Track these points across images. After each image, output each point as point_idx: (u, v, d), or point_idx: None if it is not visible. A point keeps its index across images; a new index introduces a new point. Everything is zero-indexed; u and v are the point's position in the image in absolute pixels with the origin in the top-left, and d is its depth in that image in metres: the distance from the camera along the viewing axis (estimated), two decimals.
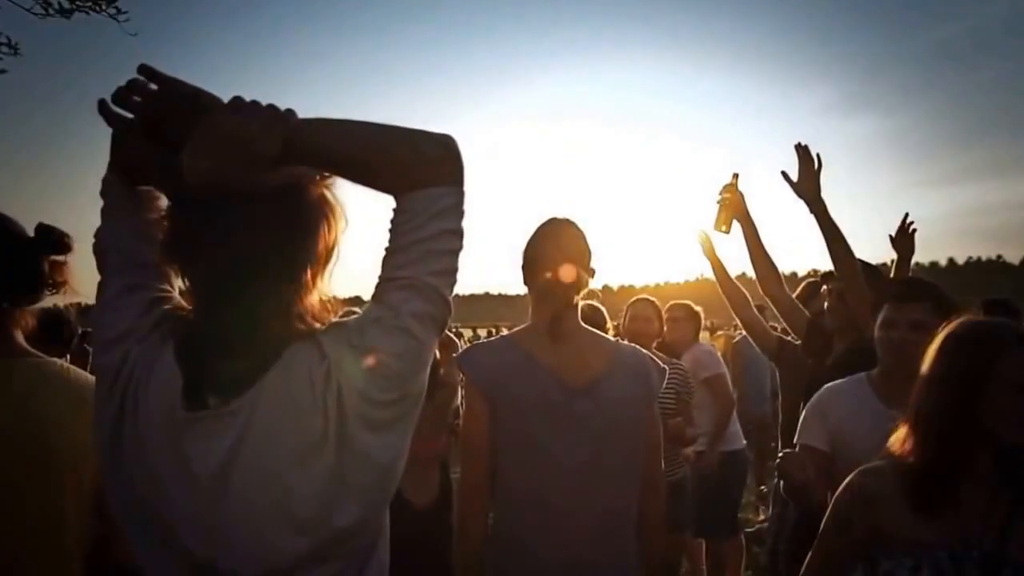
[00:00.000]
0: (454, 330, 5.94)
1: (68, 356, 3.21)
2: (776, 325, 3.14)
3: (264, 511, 0.85)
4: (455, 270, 0.92)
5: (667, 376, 1.82)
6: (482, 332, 18.93)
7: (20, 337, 1.32)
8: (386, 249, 0.90)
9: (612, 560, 1.64)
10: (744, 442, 4.12)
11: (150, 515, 0.88)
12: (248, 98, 0.84)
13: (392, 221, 0.89)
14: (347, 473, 0.86)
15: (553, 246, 1.71)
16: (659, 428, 1.78)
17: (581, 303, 1.76)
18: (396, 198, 0.89)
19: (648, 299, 3.59)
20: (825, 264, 2.48)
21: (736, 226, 2.76)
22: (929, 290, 1.93)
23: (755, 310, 3.01)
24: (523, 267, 1.76)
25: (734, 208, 2.74)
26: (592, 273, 1.75)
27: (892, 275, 2.83)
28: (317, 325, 0.93)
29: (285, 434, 0.85)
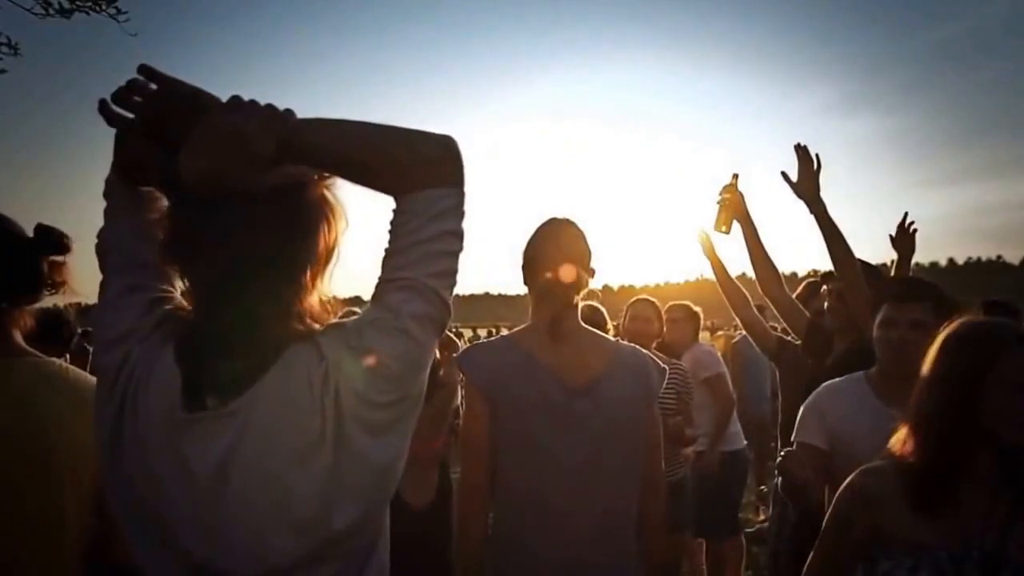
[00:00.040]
0: (454, 330, 5.95)
1: (68, 356, 3.21)
2: (776, 325, 3.14)
3: (262, 511, 0.84)
4: (455, 272, 0.91)
5: (667, 376, 1.82)
6: (482, 332, 18.93)
7: (19, 337, 1.32)
8: (386, 250, 0.90)
9: (612, 560, 1.64)
10: (744, 442, 4.12)
11: (149, 515, 0.88)
12: (247, 98, 0.84)
13: (392, 222, 0.89)
14: (345, 474, 0.85)
15: (553, 246, 1.71)
16: (659, 428, 1.78)
17: (581, 303, 1.76)
18: (396, 199, 0.89)
19: (648, 299, 3.59)
20: (825, 264, 2.48)
21: (736, 226, 2.77)
22: (929, 290, 1.93)
23: (755, 310, 3.01)
24: (523, 267, 1.76)
25: (734, 208, 2.74)
26: (592, 273, 1.75)
27: (892, 275, 2.83)
28: (316, 326, 0.93)
29: (283, 435, 0.85)
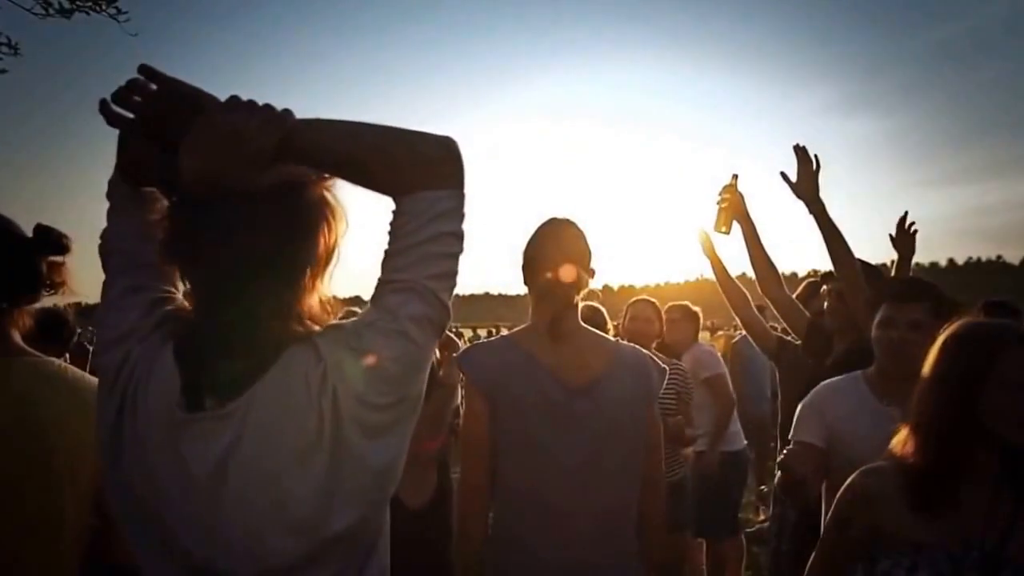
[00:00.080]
0: (454, 330, 5.95)
1: (67, 356, 3.21)
2: (776, 325, 3.14)
3: (261, 512, 0.84)
4: (455, 273, 0.91)
5: (667, 376, 1.82)
6: (482, 332, 18.93)
7: (18, 337, 1.32)
8: (385, 252, 0.90)
9: (612, 560, 1.64)
10: (745, 442, 4.12)
11: (149, 515, 0.88)
12: (246, 98, 0.84)
13: (391, 223, 0.89)
14: (343, 476, 0.85)
15: (553, 246, 1.71)
16: (659, 428, 1.78)
17: (581, 303, 1.76)
18: (395, 200, 0.89)
19: (648, 300, 3.59)
20: (825, 264, 2.48)
21: (736, 227, 2.77)
22: (928, 290, 1.93)
23: (755, 310, 3.01)
24: (523, 267, 1.76)
25: (734, 209, 2.74)
26: (592, 273, 1.75)
27: (892, 275, 2.83)
28: (315, 327, 0.93)
29: (281, 436, 0.85)
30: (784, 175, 2.42)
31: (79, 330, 3.96)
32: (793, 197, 2.41)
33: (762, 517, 5.22)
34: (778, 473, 1.68)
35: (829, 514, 1.49)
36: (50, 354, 1.37)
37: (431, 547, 1.98)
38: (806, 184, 2.38)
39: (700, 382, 3.86)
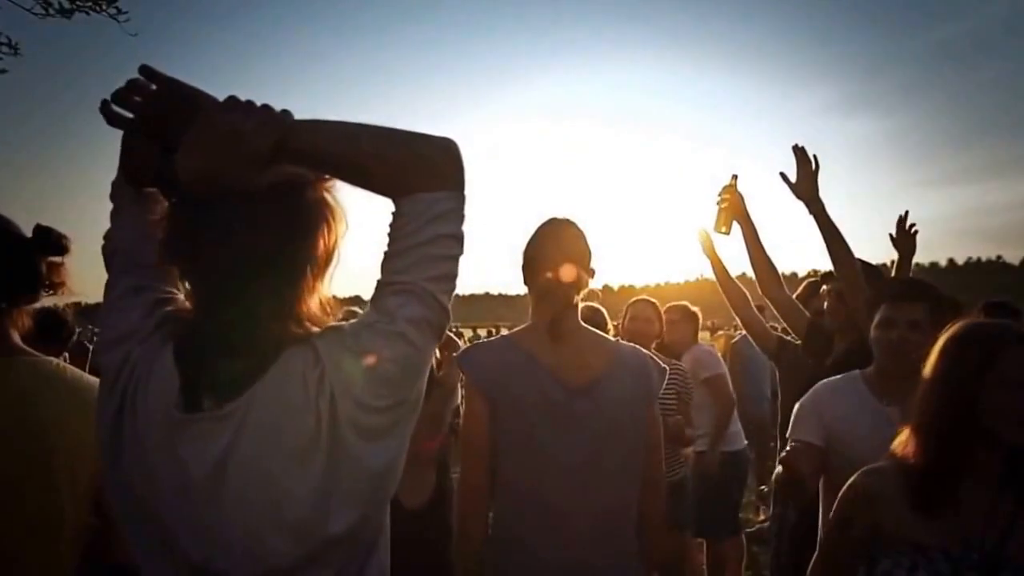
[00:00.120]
0: (454, 330, 5.95)
1: (67, 355, 3.21)
2: (776, 325, 3.15)
3: (259, 513, 0.84)
4: (454, 275, 0.91)
5: (667, 376, 1.82)
6: (482, 332, 18.93)
7: (17, 337, 1.32)
8: (384, 253, 0.90)
9: (612, 560, 1.64)
10: (745, 442, 4.12)
11: (148, 515, 0.88)
12: (246, 98, 0.84)
13: (390, 225, 0.89)
14: (340, 477, 0.85)
15: (553, 246, 1.71)
16: (659, 428, 1.78)
17: (581, 303, 1.76)
18: (394, 202, 0.88)
19: (648, 300, 3.59)
20: (825, 264, 2.49)
21: (736, 227, 2.77)
22: (927, 291, 1.93)
23: (755, 310, 3.01)
24: (523, 267, 1.76)
25: (734, 210, 2.75)
26: (592, 273, 1.75)
27: (893, 275, 2.83)
28: (314, 329, 0.93)
29: (278, 437, 0.85)
30: (783, 175, 2.43)
31: (79, 329, 3.96)
32: (793, 197, 2.42)
33: (762, 517, 5.22)
34: (779, 468, 1.68)
35: (831, 514, 1.49)
36: (49, 354, 1.37)
37: (430, 547, 1.98)
38: (805, 184, 2.39)
39: (700, 382, 3.86)
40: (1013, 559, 1.26)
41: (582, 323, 1.76)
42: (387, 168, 0.87)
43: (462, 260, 0.92)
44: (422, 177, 0.87)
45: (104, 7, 4.14)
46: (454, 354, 1.92)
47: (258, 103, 0.84)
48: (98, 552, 1.31)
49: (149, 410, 0.88)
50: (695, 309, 4.10)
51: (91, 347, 4.71)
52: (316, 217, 0.93)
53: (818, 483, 1.86)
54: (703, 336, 4.90)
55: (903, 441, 1.40)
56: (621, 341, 1.87)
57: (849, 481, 1.45)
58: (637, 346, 1.85)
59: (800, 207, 2.40)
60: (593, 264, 1.74)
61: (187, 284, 0.96)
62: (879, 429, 1.69)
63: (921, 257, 2.99)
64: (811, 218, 2.38)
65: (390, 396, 0.87)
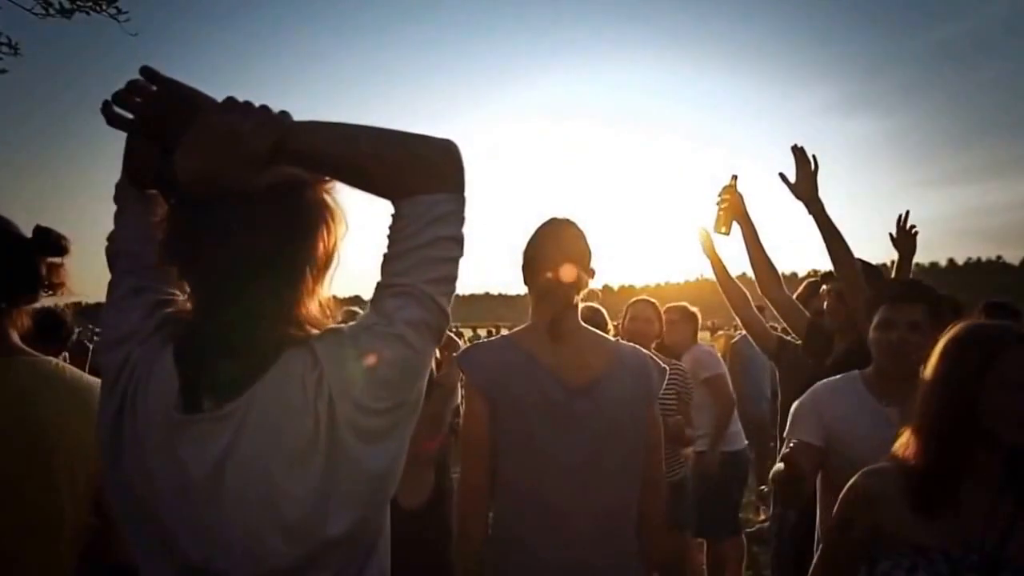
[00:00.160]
0: (454, 330, 5.95)
1: (66, 355, 3.22)
2: (776, 325, 3.15)
3: (258, 514, 0.84)
4: (454, 278, 0.91)
5: (667, 376, 1.82)
6: (482, 332, 18.93)
7: (16, 337, 1.33)
8: (384, 255, 0.90)
9: (612, 560, 1.64)
10: (745, 442, 4.12)
11: (148, 515, 0.88)
12: (244, 99, 0.84)
13: (390, 227, 0.89)
14: (338, 479, 0.85)
15: (553, 246, 1.71)
16: (659, 428, 1.78)
17: (581, 303, 1.76)
18: (394, 204, 0.88)
19: (648, 300, 3.59)
20: (825, 264, 2.49)
21: (736, 227, 2.77)
22: (926, 292, 1.94)
23: (755, 310, 3.01)
24: (523, 267, 1.76)
25: (734, 210, 2.75)
26: (592, 273, 1.75)
27: (893, 275, 2.83)
28: (313, 330, 0.93)
29: (278, 438, 0.85)
30: (783, 176, 2.43)
31: (78, 329, 3.96)
32: (792, 197, 2.42)
33: (762, 517, 5.22)
34: (778, 465, 1.68)
35: (832, 515, 1.49)
36: (48, 354, 1.37)
37: (429, 547, 1.98)
38: (805, 185, 2.39)
39: (700, 382, 3.86)
40: (1013, 560, 1.26)
41: (582, 323, 1.76)
42: (386, 169, 0.86)
43: (462, 261, 0.92)
44: (421, 178, 0.87)
45: (104, 7, 4.15)
46: (454, 354, 1.92)
47: (257, 104, 0.84)
48: (98, 552, 1.31)
49: (149, 411, 0.88)
50: (695, 309, 4.10)
51: (91, 347, 4.72)
52: (315, 218, 0.93)
53: (815, 483, 1.86)
54: (703, 336, 4.91)
55: (903, 442, 1.40)
56: (621, 341, 1.87)
57: (850, 482, 1.45)
58: (637, 346, 1.85)
59: (800, 207, 2.41)
60: (593, 264, 1.74)
61: (186, 284, 0.96)
62: (878, 429, 1.68)
63: (921, 257, 2.99)
64: (811, 218, 2.38)
65: (389, 398, 0.87)
